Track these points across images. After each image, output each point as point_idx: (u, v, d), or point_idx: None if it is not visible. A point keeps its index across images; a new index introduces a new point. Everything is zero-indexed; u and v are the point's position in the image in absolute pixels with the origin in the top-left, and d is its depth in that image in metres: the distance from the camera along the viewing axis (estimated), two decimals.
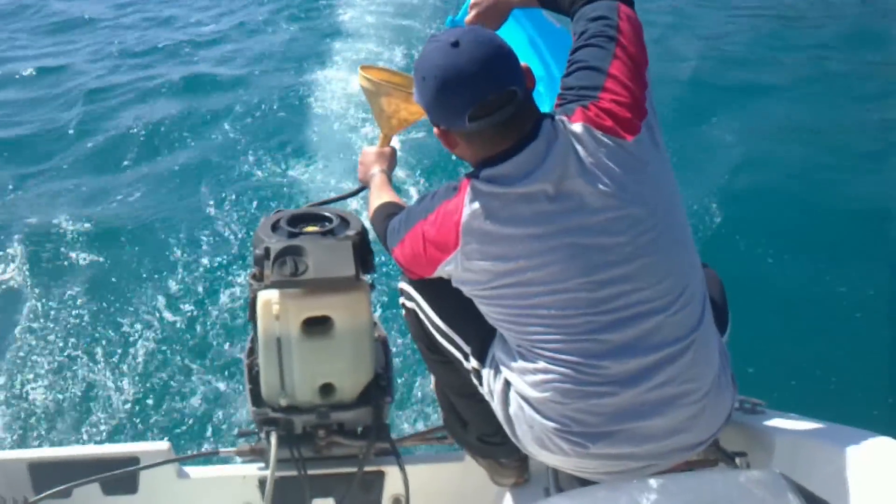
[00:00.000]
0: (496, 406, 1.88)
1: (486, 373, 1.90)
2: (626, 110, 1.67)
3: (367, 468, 2.32)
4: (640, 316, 1.66)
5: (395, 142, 2.51)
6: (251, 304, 2.22)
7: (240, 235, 5.69)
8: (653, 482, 1.06)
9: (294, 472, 2.23)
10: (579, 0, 1.88)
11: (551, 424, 1.72)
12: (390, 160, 2.41)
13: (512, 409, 1.82)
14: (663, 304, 1.67)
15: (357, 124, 7.37)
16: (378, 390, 2.28)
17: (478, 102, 1.63)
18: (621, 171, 1.64)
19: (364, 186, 2.43)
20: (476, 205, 1.67)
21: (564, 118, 1.68)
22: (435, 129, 1.76)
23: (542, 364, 1.71)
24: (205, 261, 5.45)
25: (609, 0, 1.83)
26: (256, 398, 2.26)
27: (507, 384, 1.82)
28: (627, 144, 1.65)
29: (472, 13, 2.13)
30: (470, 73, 1.62)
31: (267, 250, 2.17)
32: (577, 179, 1.63)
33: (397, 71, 2.55)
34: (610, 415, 1.68)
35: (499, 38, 1.70)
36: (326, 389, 2.23)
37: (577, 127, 1.66)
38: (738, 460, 1.96)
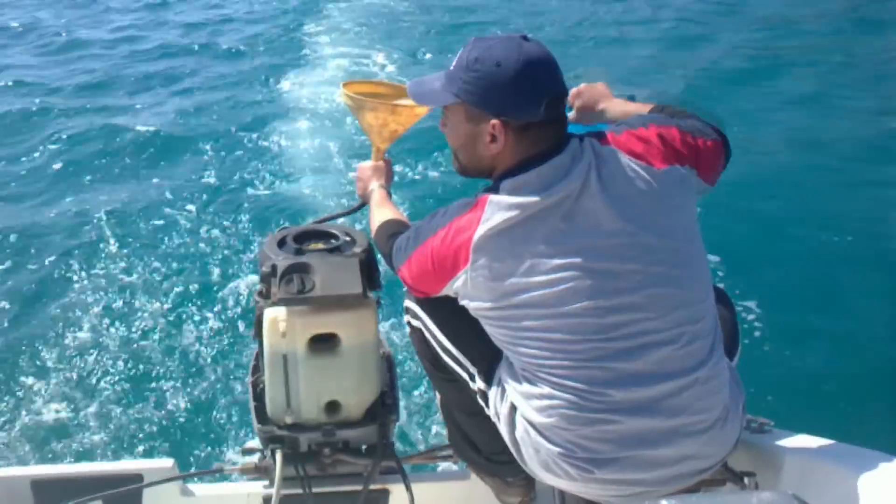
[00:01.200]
0: (502, 428, 1.87)
1: (493, 394, 1.89)
2: (664, 144, 1.70)
3: (373, 486, 2.31)
4: (647, 346, 1.64)
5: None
6: (257, 322, 2.21)
7: (244, 252, 5.70)
8: (664, 502, 1.05)
9: (299, 490, 2.22)
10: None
11: (556, 449, 1.71)
12: (387, 174, 2.41)
13: (518, 433, 1.81)
14: (671, 336, 1.66)
15: (352, 135, 7.40)
16: (383, 408, 2.26)
17: (557, 91, 1.69)
18: (641, 198, 1.65)
19: (364, 203, 2.43)
20: (491, 221, 1.66)
21: (594, 139, 1.70)
22: (494, 123, 1.71)
23: (546, 389, 1.70)
24: (209, 277, 5.47)
25: (715, 133, 1.85)
26: (261, 415, 2.25)
27: (513, 407, 1.81)
28: (654, 172, 1.67)
29: (575, 105, 2.17)
30: (549, 62, 1.70)
31: (274, 268, 2.16)
32: (595, 200, 1.64)
33: (380, 81, 2.57)
34: (616, 441, 1.67)
35: None
36: (332, 407, 2.22)
37: (604, 149, 1.68)
38: (746, 480, 1.94)
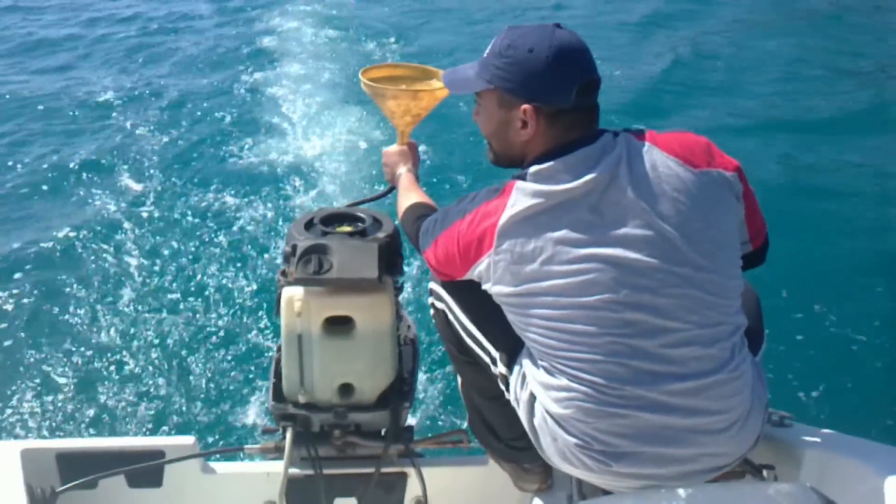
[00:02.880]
0: (522, 414, 1.87)
1: (513, 380, 1.89)
2: (707, 151, 1.70)
3: (389, 469, 2.32)
4: (666, 346, 1.63)
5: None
6: (277, 300, 2.23)
7: (275, 232, 5.73)
8: (681, 492, 1.06)
9: (312, 471, 2.24)
10: None
11: (573, 440, 1.71)
12: (413, 157, 2.43)
13: (536, 421, 1.81)
14: (691, 336, 1.64)
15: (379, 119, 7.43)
16: (398, 394, 2.27)
17: (588, 77, 1.70)
18: (674, 196, 1.63)
19: (393, 187, 2.44)
20: (517, 207, 1.66)
21: (631, 135, 1.70)
22: (525, 108, 1.72)
23: (564, 381, 1.70)
24: (236, 254, 5.50)
25: None
26: (278, 393, 2.27)
27: (533, 395, 1.81)
28: (693, 172, 1.65)
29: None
30: (582, 49, 1.72)
31: (294, 247, 2.18)
32: (624, 193, 1.63)
33: (400, 63, 2.57)
34: (632, 436, 1.66)
35: None
36: (345, 390, 2.23)
37: (641, 144, 1.67)
38: (765, 473, 1.93)
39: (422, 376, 3.98)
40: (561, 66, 1.68)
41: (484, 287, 1.78)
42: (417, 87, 2.42)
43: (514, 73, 1.72)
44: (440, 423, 3.84)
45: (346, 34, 10.52)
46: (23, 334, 4.78)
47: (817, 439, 1.99)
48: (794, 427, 2.09)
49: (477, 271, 1.76)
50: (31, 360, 4.57)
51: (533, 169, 1.69)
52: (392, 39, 10.18)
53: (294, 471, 2.24)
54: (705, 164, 1.68)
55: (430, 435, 2.53)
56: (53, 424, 4.09)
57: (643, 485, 1.69)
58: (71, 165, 7.04)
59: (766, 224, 1.87)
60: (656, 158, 1.66)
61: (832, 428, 2.04)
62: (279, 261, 5.24)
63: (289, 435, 2.21)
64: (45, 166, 7.07)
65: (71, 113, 8.34)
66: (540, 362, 1.76)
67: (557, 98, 1.70)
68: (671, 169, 1.65)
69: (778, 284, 4.67)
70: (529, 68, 1.70)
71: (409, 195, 2.24)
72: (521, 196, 1.67)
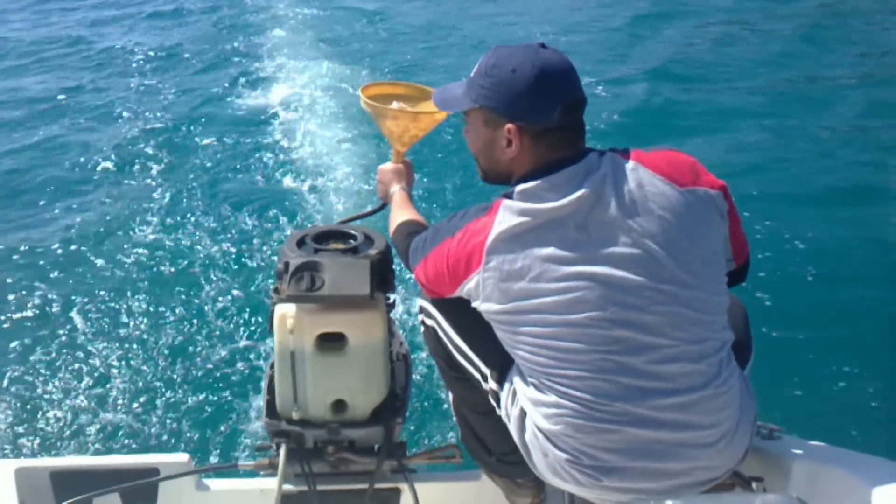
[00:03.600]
0: (513, 430, 1.88)
1: (504, 396, 1.90)
2: (693, 170, 1.71)
3: (383, 485, 2.33)
4: (653, 362, 1.64)
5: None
6: (271, 318, 2.24)
7: (270, 250, 5.73)
8: (670, 503, 1.07)
9: (306, 487, 2.25)
10: None
11: (564, 456, 1.72)
12: (408, 176, 2.46)
13: (527, 436, 1.82)
14: (678, 353, 1.65)
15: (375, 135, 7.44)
16: (391, 410, 2.28)
17: (572, 97, 1.72)
18: (658, 214, 1.65)
19: (385, 204, 2.46)
20: (505, 225, 1.68)
21: (617, 154, 1.72)
22: (509, 127, 1.75)
23: (553, 398, 1.71)
24: (234, 272, 5.49)
25: None
26: (271, 410, 2.28)
27: (523, 411, 1.82)
28: (678, 190, 1.67)
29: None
30: (566, 69, 1.74)
31: (287, 265, 2.19)
32: (609, 212, 1.65)
33: (399, 82, 2.58)
34: (622, 451, 1.67)
35: None
36: (338, 406, 2.24)
37: (627, 162, 1.69)
38: (754, 485, 1.95)
39: (414, 392, 3.99)
40: (544, 85, 1.71)
41: (473, 304, 1.79)
42: (418, 108, 2.44)
43: (499, 93, 1.75)
44: (433, 438, 3.84)
45: (345, 49, 10.55)
46: (15, 352, 4.75)
47: (806, 451, 2.00)
48: (782, 439, 2.11)
49: (466, 289, 1.78)
50: (24, 377, 4.53)
51: (520, 187, 1.71)
52: (394, 56, 10.20)
53: (288, 487, 2.24)
54: (691, 182, 1.70)
55: (422, 450, 2.54)
56: (47, 443, 4.07)
57: (633, 499, 1.70)
58: (48, 188, 7.05)
59: (747, 243, 1.89)
60: (642, 176, 1.67)
61: (821, 440, 2.06)
62: (271, 279, 5.27)
63: (282, 451, 2.21)
64: (16, 182, 7.10)
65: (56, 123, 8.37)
66: (529, 379, 1.77)
67: (540, 117, 1.72)
68: (657, 187, 1.67)
69: (765, 297, 4.69)
70: (513, 88, 1.72)
71: (402, 213, 2.25)
72: (509, 214, 1.69)
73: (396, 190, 2.39)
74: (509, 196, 1.72)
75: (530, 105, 1.72)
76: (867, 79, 8.41)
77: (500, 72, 1.75)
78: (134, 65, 10.50)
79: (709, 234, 1.71)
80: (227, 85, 9.41)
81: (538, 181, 1.69)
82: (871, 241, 5.49)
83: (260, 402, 4.09)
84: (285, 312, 2.16)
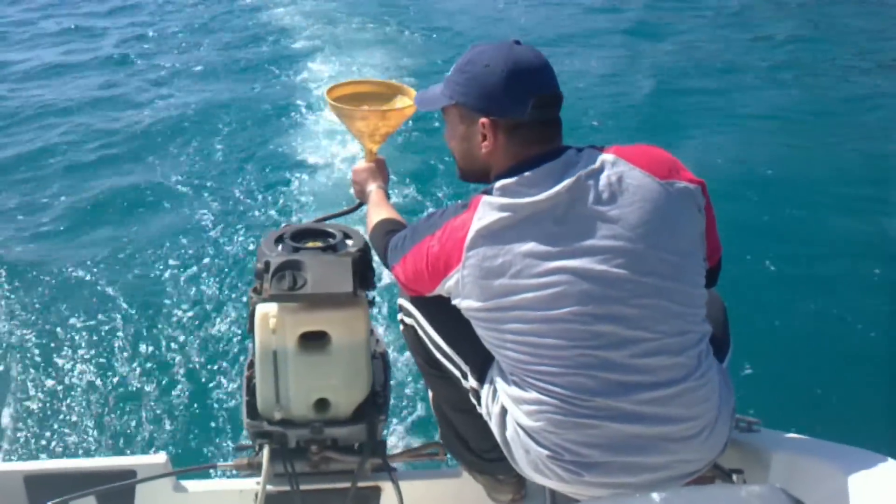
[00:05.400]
0: (494, 427, 1.88)
1: (485, 393, 1.90)
2: (672, 166, 1.71)
3: (363, 483, 2.32)
4: (634, 356, 1.65)
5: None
6: (251, 318, 2.23)
7: (242, 249, 5.70)
8: (655, 496, 1.07)
9: (288, 487, 2.24)
10: None
11: (545, 452, 1.72)
12: (383, 173, 2.45)
13: (509, 433, 1.82)
14: (659, 346, 1.66)
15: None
16: (373, 408, 2.28)
17: (545, 91, 1.73)
18: (638, 206, 1.65)
19: (361, 203, 2.44)
20: (484, 221, 1.68)
21: (595, 149, 1.72)
22: (483, 121, 1.76)
23: (534, 394, 1.71)
24: (206, 273, 5.47)
25: None
26: (252, 410, 2.26)
27: (504, 409, 1.82)
28: (657, 183, 1.67)
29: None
30: (539, 65, 1.75)
31: (267, 264, 2.18)
32: (588, 206, 1.65)
33: (365, 79, 2.58)
34: (602, 446, 1.67)
35: None
36: (321, 405, 2.23)
37: (606, 156, 1.68)
38: (734, 477, 1.96)
39: (393, 390, 3.99)
40: (516, 79, 1.72)
41: (454, 302, 1.79)
42: (385, 106, 2.43)
43: (472, 88, 1.76)
44: (413, 436, 3.84)
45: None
46: None
47: (784, 443, 2.02)
48: (761, 432, 2.13)
49: (446, 287, 1.77)
50: None
51: (498, 183, 1.70)
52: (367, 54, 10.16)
53: (269, 488, 2.23)
54: (670, 175, 1.70)
55: (405, 448, 2.54)
56: (20, 446, 4.03)
57: (615, 494, 1.71)
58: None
59: (721, 247, 1.90)
60: (622, 170, 1.67)
61: (798, 432, 2.08)
62: (247, 276, 5.25)
63: (265, 452, 2.20)
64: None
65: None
66: (510, 376, 1.77)
67: (513, 111, 1.73)
68: (637, 179, 1.66)
69: (743, 292, 4.73)
70: (485, 82, 1.74)
71: (380, 211, 2.24)
72: (488, 210, 1.68)
73: (373, 189, 2.38)
74: (489, 192, 1.71)
75: (503, 99, 1.73)
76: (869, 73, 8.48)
77: (474, 67, 1.76)
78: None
79: (688, 227, 1.72)
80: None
81: (517, 177, 1.69)
82: (851, 228, 5.56)
83: (236, 401, 4.08)
84: (267, 312, 2.14)
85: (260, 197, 6.56)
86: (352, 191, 2.50)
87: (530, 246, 1.65)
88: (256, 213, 6.29)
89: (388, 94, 2.51)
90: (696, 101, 8.20)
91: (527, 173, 1.68)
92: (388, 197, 2.38)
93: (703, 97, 8.33)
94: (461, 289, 1.73)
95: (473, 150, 1.82)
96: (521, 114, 1.73)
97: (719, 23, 10.95)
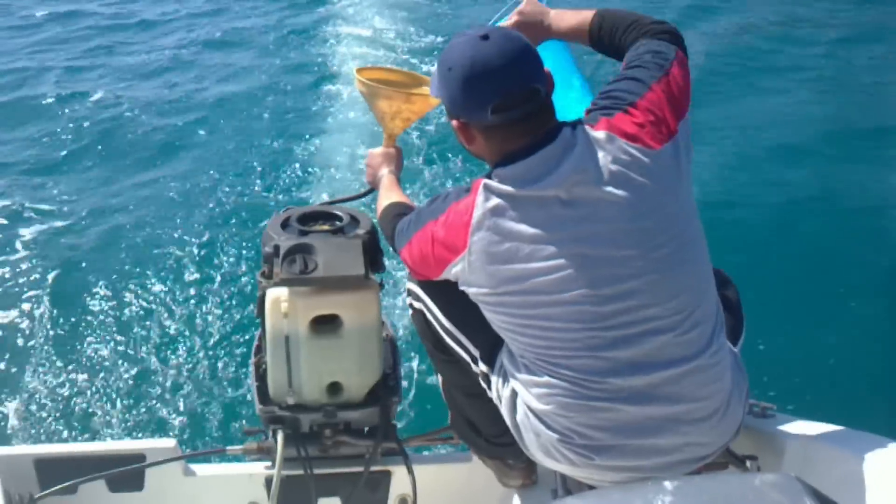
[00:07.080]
0: (504, 411, 1.87)
1: (495, 378, 1.89)
2: (654, 125, 1.66)
3: (374, 468, 2.32)
4: (646, 334, 1.63)
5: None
6: (259, 302, 2.22)
7: (246, 233, 5.68)
8: (667, 484, 1.06)
9: (300, 471, 2.23)
10: (632, 37, 1.88)
11: (555, 436, 1.72)
12: (397, 160, 2.42)
13: (519, 417, 1.81)
14: (671, 323, 1.64)
15: (365, 122, 7.36)
16: (386, 390, 2.27)
17: (503, 95, 1.64)
18: (640, 182, 1.62)
19: (372, 188, 2.42)
20: (488, 205, 1.65)
21: (587, 126, 1.67)
22: (454, 123, 1.75)
23: (545, 378, 1.70)
24: (212, 257, 5.46)
25: (667, 42, 1.83)
26: (263, 396, 2.26)
27: (514, 392, 1.81)
28: (650, 154, 1.63)
29: (513, 20, 2.09)
30: (498, 66, 1.64)
31: (276, 248, 2.16)
32: (593, 187, 1.62)
33: (394, 68, 2.57)
34: (613, 429, 1.66)
35: (525, 38, 1.72)
36: (334, 388, 2.22)
37: (599, 134, 1.64)
38: (748, 463, 1.95)
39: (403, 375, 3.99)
40: (472, 85, 1.65)
41: (461, 287, 1.77)
42: (411, 91, 2.41)
43: (442, 90, 1.73)
44: (421, 421, 3.84)
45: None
46: None
47: (799, 429, 2.01)
48: (775, 417, 2.11)
49: (453, 272, 1.75)
50: (8, 365, 4.52)
51: (500, 171, 1.68)
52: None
53: (282, 473, 2.23)
54: (659, 138, 1.65)
55: (415, 433, 2.53)
56: (31, 430, 4.05)
57: (627, 477, 1.70)
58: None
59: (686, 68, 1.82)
60: (616, 146, 1.63)
61: (813, 418, 2.05)
62: (252, 260, 5.25)
63: (280, 437, 2.19)
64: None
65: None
66: (520, 359, 1.76)
67: (475, 116, 1.69)
68: (631, 155, 1.63)
69: (757, 276, 4.70)
70: (449, 87, 1.69)
71: (390, 195, 2.22)
72: (491, 194, 1.66)
73: (385, 174, 2.35)
74: (490, 177, 1.69)
75: (463, 105, 1.70)
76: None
77: (442, 68, 1.72)
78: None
79: (688, 190, 1.69)
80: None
81: (516, 164, 1.66)
82: (867, 214, 5.52)
83: (246, 385, 4.08)
84: (278, 296, 2.13)
85: (268, 181, 6.54)
86: (364, 177, 2.48)
87: (536, 230, 1.63)
88: (263, 196, 6.27)
89: (414, 84, 2.48)
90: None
91: (524, 161, 1.65)
92: (399, 184, 2.35)
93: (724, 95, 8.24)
94: (469, 275, 1.71)
95: (464, 144, 1.81)
96: (483, 119, 1.68)
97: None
